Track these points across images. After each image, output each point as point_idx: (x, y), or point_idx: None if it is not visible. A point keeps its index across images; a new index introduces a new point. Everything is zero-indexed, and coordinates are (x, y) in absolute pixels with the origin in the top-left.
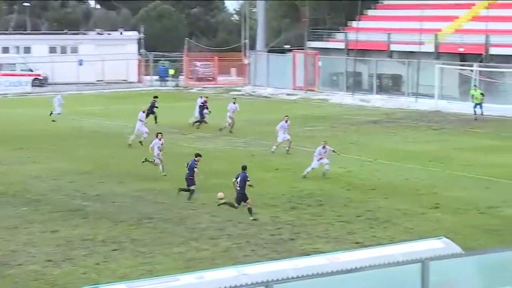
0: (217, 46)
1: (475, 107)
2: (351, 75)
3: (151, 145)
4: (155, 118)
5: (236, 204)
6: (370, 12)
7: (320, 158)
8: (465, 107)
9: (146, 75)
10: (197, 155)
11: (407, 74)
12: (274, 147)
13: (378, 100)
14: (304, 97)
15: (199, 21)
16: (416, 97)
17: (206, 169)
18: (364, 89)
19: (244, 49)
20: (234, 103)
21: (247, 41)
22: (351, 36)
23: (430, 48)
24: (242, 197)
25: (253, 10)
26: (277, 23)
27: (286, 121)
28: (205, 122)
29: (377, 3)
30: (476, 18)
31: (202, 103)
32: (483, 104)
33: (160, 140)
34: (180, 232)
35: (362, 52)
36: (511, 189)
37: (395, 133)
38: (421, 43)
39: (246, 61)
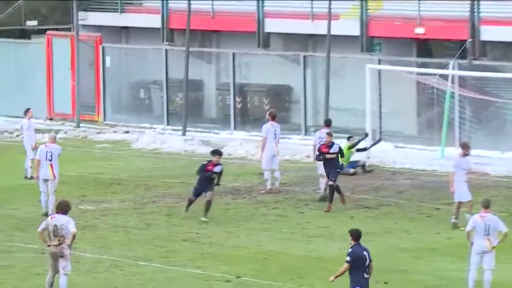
0: None
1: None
2: (177, 89)
3: None
4: None
5: None
6: None
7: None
8: (432, 157)
9: None
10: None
11: (303, 86)
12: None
13: (240, 144)
14: (73, 136)
15: None
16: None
17: None
18: (210, 119)
19: None
20: None
21: None
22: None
23: (351, 28)
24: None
25: None
26: None
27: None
28: None
29: None
30: None
31: None
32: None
33: None
34: None
35: (204, 35)
36: None
37: (281, 224)
38: (331, 17)
39: None
